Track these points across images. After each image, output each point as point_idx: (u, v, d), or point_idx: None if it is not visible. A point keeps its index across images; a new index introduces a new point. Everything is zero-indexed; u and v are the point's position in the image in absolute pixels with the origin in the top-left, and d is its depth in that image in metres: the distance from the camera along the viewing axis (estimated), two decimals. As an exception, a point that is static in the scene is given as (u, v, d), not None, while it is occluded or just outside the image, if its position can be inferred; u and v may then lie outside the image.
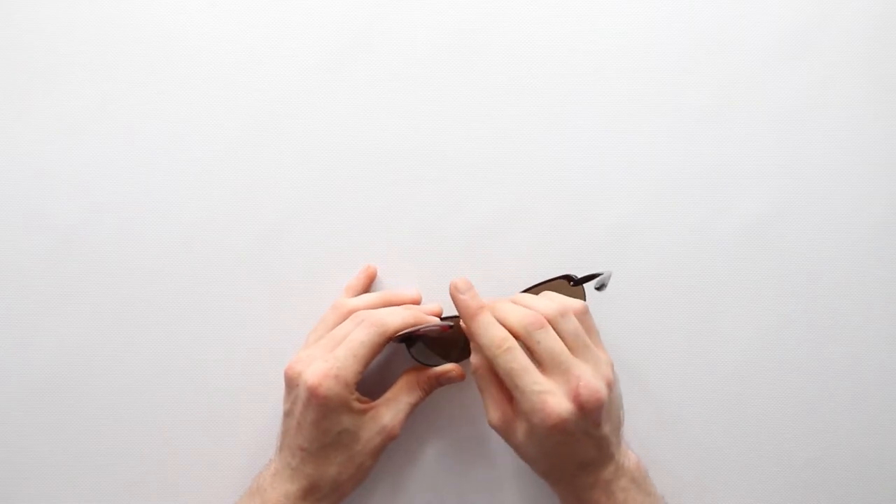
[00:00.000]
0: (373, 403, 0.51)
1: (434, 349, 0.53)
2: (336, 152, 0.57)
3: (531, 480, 0.54)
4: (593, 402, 0.44)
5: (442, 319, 0.53)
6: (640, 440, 0.54)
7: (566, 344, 0.46)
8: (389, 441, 0.50)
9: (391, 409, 0.51)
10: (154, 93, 0.57)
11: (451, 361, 0.53)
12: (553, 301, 0.48)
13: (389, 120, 0.57)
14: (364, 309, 0.52)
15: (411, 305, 0.54)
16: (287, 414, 0.49)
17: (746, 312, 0.56)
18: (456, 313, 0.49)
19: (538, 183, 0.56)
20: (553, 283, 0.53)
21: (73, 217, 0.56)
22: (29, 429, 0.55)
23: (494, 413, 0.47)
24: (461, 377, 0.53)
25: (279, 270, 0.56)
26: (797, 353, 0.56)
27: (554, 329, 0.46)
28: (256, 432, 0.54)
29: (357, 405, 0.49)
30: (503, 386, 0.47)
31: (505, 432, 0.47)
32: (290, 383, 0.49)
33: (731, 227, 0.56)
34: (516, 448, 0.47)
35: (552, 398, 0.44)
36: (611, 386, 0.46)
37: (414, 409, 0.52)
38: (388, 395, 0.52)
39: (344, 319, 0.51)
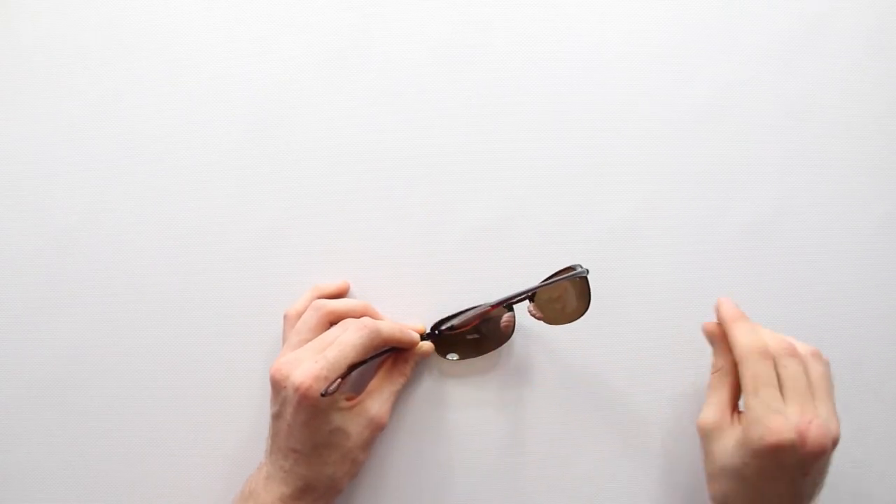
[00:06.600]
0: (358, 398, 0.51)
1: (469, 343, 0.54)
2: (335, 154, 0.57)
3: (524, 475, 0.54)
4: (818, 444, 0.44)
5: (440, 322, 0.53)
6: (638, 439, 0.54)
7: (810, 383, 0.46)
8: (379, 431, 0.51)
9: (377, 400, 0.51)
10: (153, 93, 0.57)
11: (483, 352, 0.54)
12: (805, 343, 0.48)
13: (388, 121, 0.57)
14: (348, 314, 0.52)
15: (398, 322, 0.54)
16: (276, 417, 0.49)
17: (746, 312, 0.56)
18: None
19: (538, 184, 0.56)
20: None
21: (73, 217, 0.56)
22: (27, 428, 0.55)
23: (713, 413, 0.48)
24: (431, 350, 0.54)
25: (277, 271, 0.56)
26: (797, 354, 0.56)
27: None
28: (253, 432, 0.54)
29: (345, 403, 0.50)
30: (735, 393, 0.47)
31: (711, 436, 0.47)
32: (277, 386, 0.48)
33: (731, 227, 0.56)
34: (714, 455, 0.47)
35: (781, 419, 0.44)
36: (835, 444, 0.46)
37: (398, 396, 0.53)
38: (371, 386, 0.52)
39: (325, 320, 0.51)
